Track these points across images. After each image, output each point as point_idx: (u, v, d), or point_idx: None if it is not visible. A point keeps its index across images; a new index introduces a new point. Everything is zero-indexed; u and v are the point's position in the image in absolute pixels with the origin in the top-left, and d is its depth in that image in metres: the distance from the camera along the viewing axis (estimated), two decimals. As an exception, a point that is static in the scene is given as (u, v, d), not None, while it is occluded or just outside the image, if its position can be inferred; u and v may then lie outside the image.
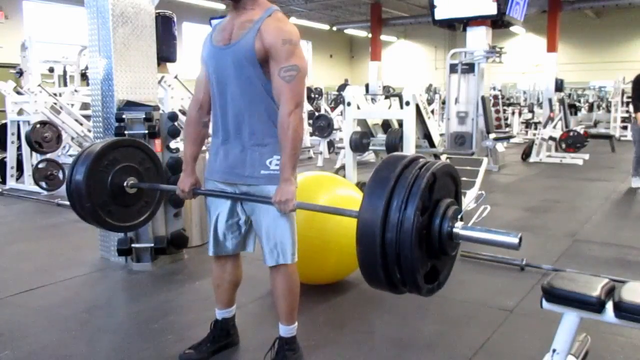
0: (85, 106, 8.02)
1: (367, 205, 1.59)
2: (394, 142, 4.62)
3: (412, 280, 1.59)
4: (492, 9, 9.08)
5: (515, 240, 1.60)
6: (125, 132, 3.50)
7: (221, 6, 18.46)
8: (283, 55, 1.99)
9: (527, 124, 14.47)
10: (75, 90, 8.17)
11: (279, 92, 2.02)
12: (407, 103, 4.55)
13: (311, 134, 10.65)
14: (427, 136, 4.97)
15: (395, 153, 1.80)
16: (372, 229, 1.56)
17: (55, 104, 6.92)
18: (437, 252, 1.66)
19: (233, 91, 2.10)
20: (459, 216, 1.67)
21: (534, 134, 11.11)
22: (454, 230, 1.65)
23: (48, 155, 6.84)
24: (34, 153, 6.90)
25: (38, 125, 6.53)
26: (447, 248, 1.66)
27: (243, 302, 2.99)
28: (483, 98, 9.01)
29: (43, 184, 6.66)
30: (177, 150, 3.66)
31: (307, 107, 12.11)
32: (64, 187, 6.84)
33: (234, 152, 2.16)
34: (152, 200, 2.68)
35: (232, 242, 2.29)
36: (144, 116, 3.51)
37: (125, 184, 2.49)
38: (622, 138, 13.73)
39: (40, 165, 6.70)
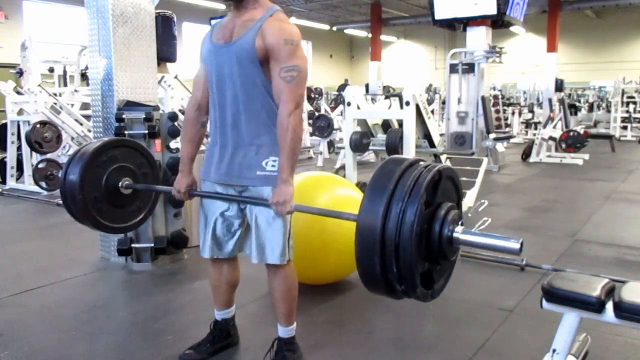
0: (85, 106, 8.01)
1: (366, 208, 1.58)
2: (394, 142, 4.62)
3: (411, 285, 1.57)
4: (492, 9, 9.08)
5: (517, 246, 1.59)
6: (125, 132, 3.49)
7: (221, 6, 18.45)
8: (284, 55, 1.98)
9: (527, 124, 14.48)
10: (75, 90, 8.17)
11: (279, 92, 2.01)
12: (407, 103, 4.55)
13: (311, 134, 10.65)
14: (427, 136, 4.97)
15: (395, 156, 1.79)
16: (371, 233, 1.54)
17: (55, 104, 6.92)
18: (437, 256, 1.64)
19: (233, 89, 2.09)
20: (460, 221, 1.66)
21: (534, 134, 11.11)
22: (454, 234, 1.63)
23: (48, 155, 6.83)
24: (34, 153, 6.90)
25: (38, 125, 6.53)
26: (447, 253, 1.65)
27: (243, 302, 2.99)
28: (483, 98, 9.01)
29: (43, 184, 6.66)
30: (177, 150, 3.66)
31: (307, 107, 12.13)
32: (64, 187, 6.85)
33: (230, 152, 2.14)
34: (145, 204, 2.66)
35: (230, 244, 2.27)
36: (144, 116, 3.51)
37: (120, 184, 2.48)
38: (622, 138, 13.74)
39: (40, 165, 6.70)
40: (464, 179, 5.81)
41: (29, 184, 6.87)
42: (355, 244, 1.57)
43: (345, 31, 25.95)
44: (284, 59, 1.98)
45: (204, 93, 2.23)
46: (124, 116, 3.50)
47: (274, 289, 2.26)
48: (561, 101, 11.01)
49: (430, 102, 13.87)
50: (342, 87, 17.49)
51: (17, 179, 7.17)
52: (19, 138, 7.01)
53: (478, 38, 9.52)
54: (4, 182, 7.14)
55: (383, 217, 1.53)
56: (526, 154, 9.83)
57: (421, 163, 1.67)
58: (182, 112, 5.83)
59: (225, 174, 2.16)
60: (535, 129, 12.93)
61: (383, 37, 22.18)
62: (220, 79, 2.11)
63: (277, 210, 2.01)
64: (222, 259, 2.32)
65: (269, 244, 2.15)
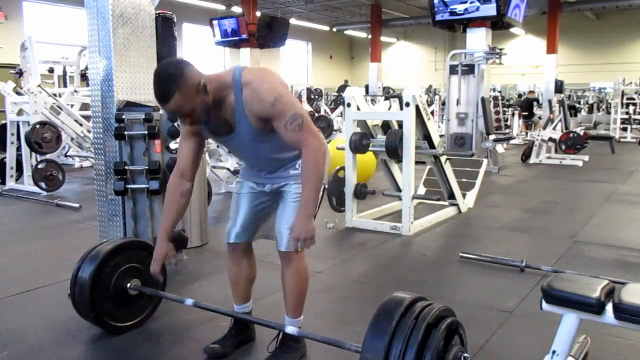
0: (85, 107, 8.02)
1: (369, 346, 1.74)
2: (394, 143, 4.61)
3: None
4: (491, 10, 9.09)
5: None
6: (125, 132, 3.49)
7: (221, 7, 18.47)
8: (279, 113, 2.02)
9: (527, 125, 14.49)
10: (75, 91, 8.17)
11: (296, 142, 2.07)
12: (407, 104, 4.54)
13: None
14: (427, 137, 4.96)
15: (396, 295, 1.90)
16: None
17: (54, 104, 6.93)
18: None
19: (256, 154, 2.24)
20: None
21: (534, 136, 11.12)
22: None
23: (47, 156, 6.84)
24: (33, 153, 6.90)
25: (37, 126, 6.54)
26: None
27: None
28: (483, 99, 9.02)
29: (42, 184, 6.66)
30: (177, 150, 3.66)
31: (307, 107, 12.16)
32: (63, 187, 6.86)
33: (265, 172, 2.31)
34: (153, 297, 2.77)
35: (257, 229, 2.40)
36: (143, 117, 3.51)
37: (128, 285, 2.61)
38: (622, 139, 13.74)
39: (39, 166, 6.70)
40: (463, 180, 5.81)
41: (28, 184, 6.87)
42: None
43: (345, 32, 25.98)
44: (281, 117, 2.02)
45: (187, 162, 2.28)
46: (123, 117, 3.50)
47: (284, 278, 2.31)
48: (561, 102, 11.02)
49: (430, 103, 13.90)
50: (342, 88, 17.53)
51: (17, 180, 7.17)
52: (18, 138, 7.01)
53: (478, 39, 9.52)
54: (3, 182, 7.13)
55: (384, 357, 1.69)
56: (526, 155, 9.84)
57: (418, 304, 1.82)
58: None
59: (261, 177, 2.32)
60: (535, 129, 12.94)
61: (383, 38, 22.20)
62: (237, 150, 2.36)
63: (297, 245, 2.07)
64: (242, 255, 2.41)
65: (281, 232, 2.23)
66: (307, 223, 2.05)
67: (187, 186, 2.28)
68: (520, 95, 19.53)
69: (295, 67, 25.77)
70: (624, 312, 1.65)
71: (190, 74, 1.96)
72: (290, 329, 2.19)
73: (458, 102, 9.18)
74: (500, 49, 9.31)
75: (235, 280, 2.47)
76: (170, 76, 1.95)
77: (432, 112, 12.29)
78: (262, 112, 2.02)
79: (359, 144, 4.82)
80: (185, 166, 2.27)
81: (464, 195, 5.64)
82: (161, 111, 3.57)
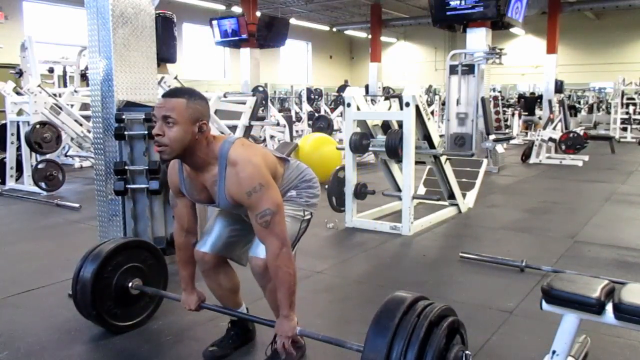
0: (85, 107, 8.03)
1: (370, 346, 1.73)
2: (394, 143, 4.61)
3: None
4: (491, 10, 9.08)
5: None
6: (125, 132, 3.49)
7: (221, 7, 18.47)
8: (253, 205, 2.00)
9: (527, 126, 14.49)
10: (75, 91, 8.17)
11: (261, 236, 2.06)
12: (407, 104, 4.54)
13: (311, 135, 10.67)
14: (427, 137, 4.97)
15: (398, 294, 1.90)
16: None
17: (54, 104, 6.93)
18: None
19: (238, 213, 2.28)
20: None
21: (534, 135, 11.12)
22: None
23: (47, 156, 6.84)
24: (33, 153, 6.90)
25: (38, 126, 6.54)
26: None
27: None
28: (483, 99, 9.02)
29: (42, 184, 6.66)
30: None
31: (307, 107, 12.13)
32: (63, 187, 6.85)
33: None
34: (154, 296, 2.78)
35: (223, 251, 2.33)
36: (143, 117, 3.50)
37: (129, 285, 2.62)
38: (622, 139, 13.75)
39: (39, 166, 6.70)
40: (463, 180, 5.81)
41: (28, 184, 6.87)
42: None
43: (345, 32, 25.98)
44: (254, 208, 2.01)
45: (189, 221, 2.30)
46: (123, 117, 3.50)
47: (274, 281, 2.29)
48: (561, 102, 11.02)
49: (430, 103, 13.90)
50: (342, 88, 17.52)
51: (17, 180, 7.17)
52: (18, 138, 7.01)
53: (478, 39, 9.53)
54: (3, 182, 7.13)
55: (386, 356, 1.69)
56: (526, 155, 9.84)
57: (420, 303, 1.82)
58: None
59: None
60: (535, 130, 12.95)
61: (383, 38, 22.20)
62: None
63: (279, 342, 2.11)
64: (217, 272, 2.36)
65: (257, 240, 2.18)
66: (284, 324, 2.09)
67: (194, 239, 2.33)
68: (520, 96, 19.58)
69: (295, 67, 25.78)
70: (624, 312, 1.65)
71: (203, 108, 1.99)
72: None
73: (458, 102, 9.18)
74: (500, 49, 9.31)
75: (219, 294, 2.43)
76: (189, 90, 2.03)
77: (432, 112, 12.29)
78: (237, 198, 2.02)
79: (359, 144, 4.82)
80: (188, 225, 2.30)
81: (464, 195, 5.64)
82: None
